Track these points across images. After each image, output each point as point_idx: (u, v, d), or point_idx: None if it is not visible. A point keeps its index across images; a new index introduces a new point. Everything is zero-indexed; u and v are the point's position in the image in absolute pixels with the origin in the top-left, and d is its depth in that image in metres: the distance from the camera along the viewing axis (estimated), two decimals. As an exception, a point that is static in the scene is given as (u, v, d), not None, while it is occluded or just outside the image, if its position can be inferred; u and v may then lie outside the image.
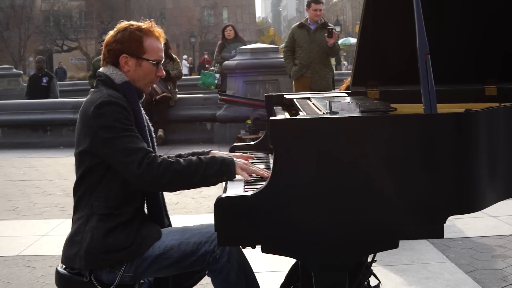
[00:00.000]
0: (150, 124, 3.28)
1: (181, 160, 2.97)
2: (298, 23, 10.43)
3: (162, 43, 3.22)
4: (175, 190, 3.12)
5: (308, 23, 10.01)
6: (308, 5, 10.05)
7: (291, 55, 10.10)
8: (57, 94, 16.31)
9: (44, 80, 16.27)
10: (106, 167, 3.00)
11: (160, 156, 2.98)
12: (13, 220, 6.99)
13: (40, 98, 15.09)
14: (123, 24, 3.18)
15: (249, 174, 3.00)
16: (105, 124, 2.95)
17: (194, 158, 2.99)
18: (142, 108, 3.22)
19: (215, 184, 3.01)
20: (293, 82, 10.18)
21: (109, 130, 2.94)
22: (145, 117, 3.25)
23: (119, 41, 3.12)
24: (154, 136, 3.28)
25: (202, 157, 3.01)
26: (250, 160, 3.22)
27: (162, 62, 3.22)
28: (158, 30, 3.20)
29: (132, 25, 3.16)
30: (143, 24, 3.17)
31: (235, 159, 3.03)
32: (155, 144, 3.26)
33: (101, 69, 3.18)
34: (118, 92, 3.07)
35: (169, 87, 12.52)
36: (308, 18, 10.09)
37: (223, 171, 2.96)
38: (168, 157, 3.14)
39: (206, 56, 34.12)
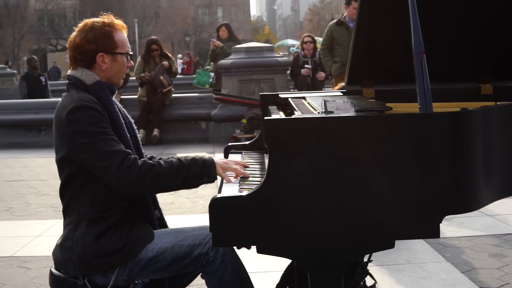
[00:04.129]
0: (132, 120, 3.25)
1: (162, 162, 2.95)
2: (335, 20, 10.34)
3: (125, 33, 3.20)
4: (156, 193, 3.12)
5: (347, 20, 9.92)
6: (348, 3, 9.93)
7: (329, 53, 10.09)
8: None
9: (43, 79, 16.06)
10: (87, 172, 2.96)
11: (140, 158, 2.97)
12: (7, 221, 6.97)
13: (41, 97, 14.91)
14: (88, 21, 3.13)
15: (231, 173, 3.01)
16: (79, 129, 2.91)
17: (175, 160, 2.97)
18: (118, 104, 3.20)
19: (196, 186, 3.00)
20: (333, 79, 10.14)
21: (84, 135, 2.90)
22: (124, 113, 3.22)
23: (92, 40, 3.07)
24: (136, 132, 3.26)
25: (183, 159, 2.98)
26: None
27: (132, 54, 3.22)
28: (120, 22, 3.18)
29: (97, 22, 3.12)
30: (104, 19, 3.14)
31: (215, 159, 3.01)
32: (139, 140, 3.24)
33: (69, 72, 3.14)
34: (90, 94, 3.03)
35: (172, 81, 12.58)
36: (347, 15, 9.98)
37: (204, 173, 2.95)
38: (151, 158, 3.17)
39: (185, 58, 33.68)
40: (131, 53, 3.19)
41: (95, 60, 3.08)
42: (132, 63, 3.27)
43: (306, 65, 12.32)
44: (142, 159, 2.94)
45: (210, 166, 2.96)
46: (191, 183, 2.96)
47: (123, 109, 3.24)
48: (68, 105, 2.96)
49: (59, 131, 2.99)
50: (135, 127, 3.27)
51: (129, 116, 3.25)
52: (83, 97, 2.98)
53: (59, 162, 3.05)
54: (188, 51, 38.25)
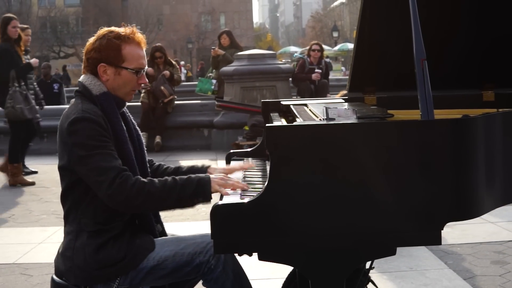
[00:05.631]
0: (138, 130, 3.23)
1: (156, 181, 2.90)
2: None
3: (144, 49, 3.13)
4: (149, 211, 3.09)
5: None
6: None
7: None
8: (66, 101, 16.04)
9: (56, 86, 15.93)
10: (87, 184, 2.94)
11: (144, 171, 2.95)
12: (10, 228, 6.98)
13: (49, 104, 14.83)
14: (103, 31, 3.09)
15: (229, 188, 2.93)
16: (78, 141, 2.89)
17: (169, 179, 2.91)
18: (129, 116, 3.19)
19: (192, 206, 2.95)
20: None
21: (82, 148, 2.88)
22: (134, 125, 3.21)
23: (97, 49, 3.04)
24: (143, 143, 3.24)
25: (178, 178, 2.92)
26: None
27: (145, 69, 3.12)
28: (139, 36, 3.09)
29: (112, 32, 3.07)
30: (123, 31, 3.07)
31: (211, 176, 2.94)
32: (145, 151, 3.22)
33: (81, 78, 3.11)
34: (95, 105, 3.00)
35: (174, 89, 12.57)
36: None
37: (198, 193, 2.89)
38: (159, 166, 3.16)
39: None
40: (142, 69, 3.09)
41: (96, 69, 3.06)
42: (147, 80, 3.17)
43: (316, 70, 12.31)
44: (135, 176, 2.90)
45: (205, 185, 2.89)
46: (185, 203, 2.93)
47: (133, 121, 3.23)
48: (71, 115, 2.95)
49: (61, 139, 2.99)
50: (143, 140, 3.27)
51: (138, 130, 3.23)
52: (87, 109, 2.96)
53: (60, 169, 3.05)
54: (177, 58, 38.05)
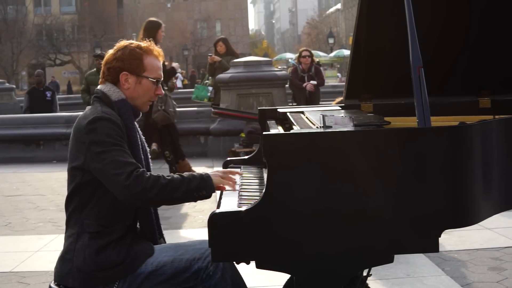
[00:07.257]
0: (145, 144, 3.29)
1: (165, 175, 2.99)
2: None
3: (161, 62, 3.24)
4: (159, 205, 3.13)
5: None
6: None
7: None
8: (58, 108, 16.10)
9: (48, 94, 15.94)
10: (97, 184, 2.99)
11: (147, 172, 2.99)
12: (6, 236, 6.95)
13: (41, 112, 14.85)
14: (123, 42, 3.21)
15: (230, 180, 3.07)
16: (96, 138, 2.96)
17: (175, 175, 3.01)
18: (138, 127, 3.23)
19: (196, 199, 3.00)
20: None
21: (100, 145, 2.95)
22: (140, 136, 3.26)
23: (119, 58, 3.14)
24: (149, 157, 3.29)
25: (183, 174, 3.02)
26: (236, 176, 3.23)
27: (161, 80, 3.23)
28: (157, 49, 3.23)
29: (132, 43, 3.20)
30: (142, 43, 3.20)
31: (211, 173, 3.06)
32: (150, 163, 3.27)
33: (99, 87, 3.20)
34: (113, 110, 3.09)
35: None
36: None
37: (202, 186, 2.97)
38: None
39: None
40: (160, 80, 3.20)
41: (118, 78, 3.14)
42: (163, 92, 3.29)
43: (312, 81, 12.28)
44: (149, 172, 2.98)
45: (207, 180, 2.99)
46: (191, 195, 2.97)
47: (142, 135, 3.28)
48: (89, 116, 3.03)
49: (77, 139, 3.05)
50: (150, 155, 3.32)
51: (145, 144, 3.29)
52: (106, 111, 3.05)
53: (71, 170, 3.09)
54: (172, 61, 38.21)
